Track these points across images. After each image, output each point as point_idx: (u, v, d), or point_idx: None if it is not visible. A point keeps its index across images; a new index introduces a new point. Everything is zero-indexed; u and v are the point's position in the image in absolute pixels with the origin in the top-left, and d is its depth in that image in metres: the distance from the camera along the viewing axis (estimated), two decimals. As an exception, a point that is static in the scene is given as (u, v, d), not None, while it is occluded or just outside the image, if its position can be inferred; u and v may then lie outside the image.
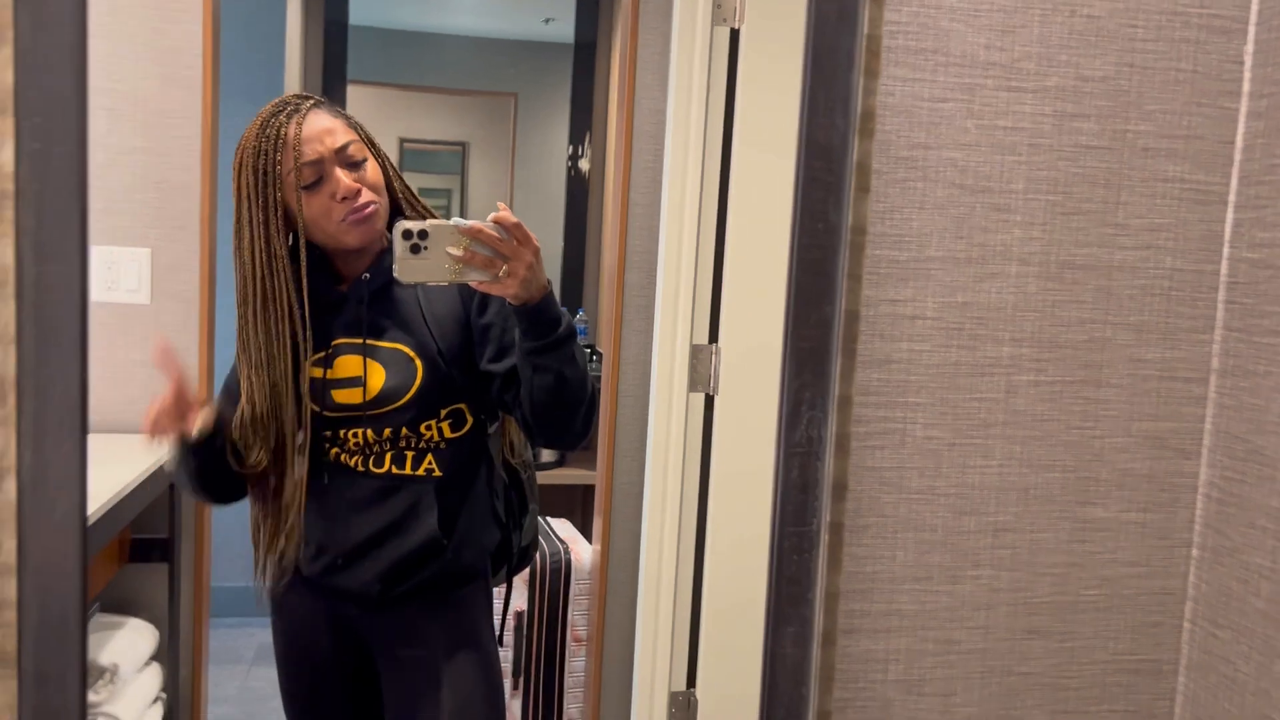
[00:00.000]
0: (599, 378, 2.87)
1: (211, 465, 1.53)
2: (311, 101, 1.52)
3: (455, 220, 1.28)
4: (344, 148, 1.50)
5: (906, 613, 1.35)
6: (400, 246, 1.27)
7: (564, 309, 1.40)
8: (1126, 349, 1.36)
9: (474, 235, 1.28)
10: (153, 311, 2.29)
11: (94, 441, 2.18)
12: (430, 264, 1.28)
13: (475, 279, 1.30)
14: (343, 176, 1.49)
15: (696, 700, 2.06)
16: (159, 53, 2.23)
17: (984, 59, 1.30)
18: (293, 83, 3.56)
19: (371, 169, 1.53)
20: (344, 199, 1.48)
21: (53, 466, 1.14)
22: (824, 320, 1.26)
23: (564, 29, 4.04)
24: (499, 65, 4.45)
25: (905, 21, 1.27)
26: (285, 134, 1.47)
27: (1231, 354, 1.36)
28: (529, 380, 1.41)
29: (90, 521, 1.75)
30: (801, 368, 1.26)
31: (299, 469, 1.55)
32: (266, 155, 1.47)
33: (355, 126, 1.55)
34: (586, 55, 4.04)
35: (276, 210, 1.49)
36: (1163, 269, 1.36)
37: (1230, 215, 1.37)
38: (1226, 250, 1.37)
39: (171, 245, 2.28)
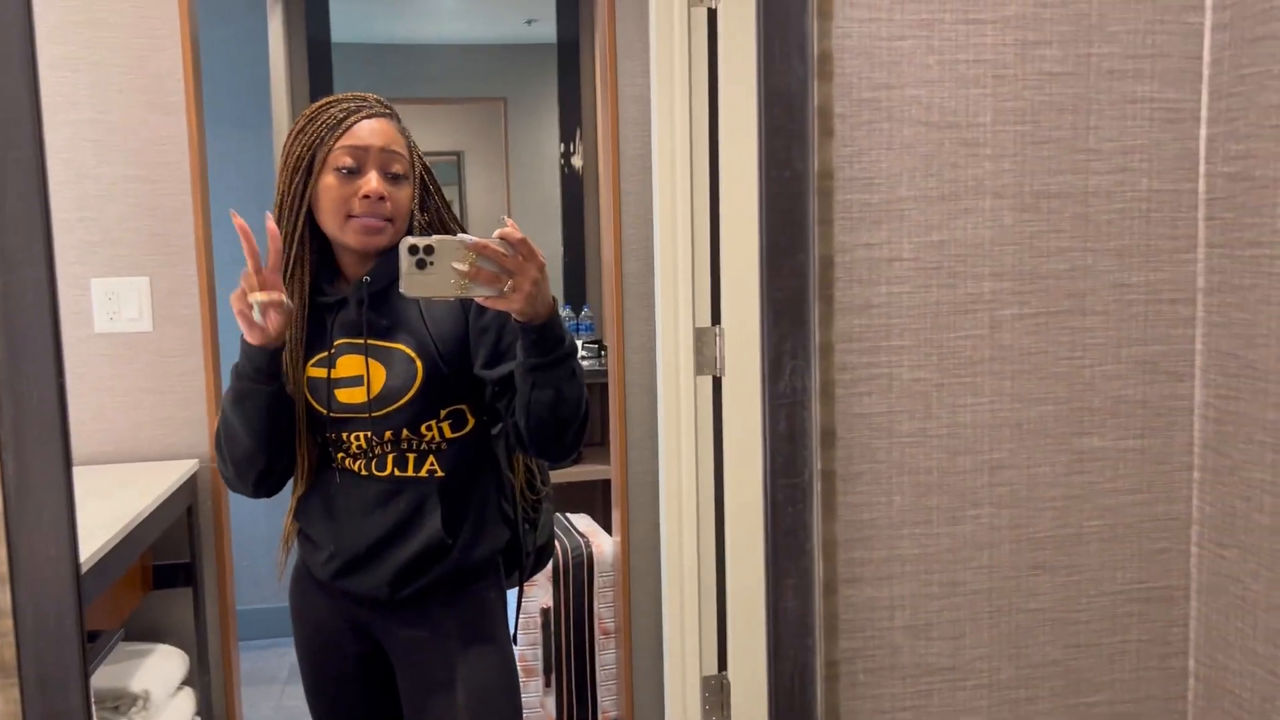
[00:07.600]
0: (606, 371, 2.86)
1: (279, 405, 1.53)
2: (387, 110, 1.54)
3: (461, 236, 1.28)
4: (391, 153, 1.51)
5: (908, 557, 1.34)
6: (406, 262, 1.27)
7: (568, 328, 1.40)
8: (1109, 275, 1.35)
9: (480, 251, 1.28)
10: (156, 338, 2.30)
11: (106, 470, 2.22)
12: (436, 279, 1.28)
13: (481, 294, 1.30)
14: (375, 177, 1.49)
15: (729, 683, 2.03)
16: (143, 81, 2.25)
17: (939, -7, 1.29)
18: (279, 104, 3.57)
19: (405, 193, 1.54)
20: (366, 197, 1.49)
21: (36, 473, 1.13)
22: (798, 268, 1.25)
23: (547, 29, 4.05)
24: (486, 71, 4.46)
25: (855, -39, 1.26)
26: (345, 121, 1.49)
27: (1216, 270, 1.34)
28: (526, 394, 1.41)
29: (107, 549, 1.77)
30: (779, 318, 1.25)
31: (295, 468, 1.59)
32: (318, 134, 1.49)
33: (412, 148, 1.56)
34: (571, 53, 4.04)
35: (308, 192, 1.51)
36: (1140, 191, 1.34)
37: (1203, 131, 1.35)
38: (1203, 167, 1.35)
39: (170, 271, 2.29)
